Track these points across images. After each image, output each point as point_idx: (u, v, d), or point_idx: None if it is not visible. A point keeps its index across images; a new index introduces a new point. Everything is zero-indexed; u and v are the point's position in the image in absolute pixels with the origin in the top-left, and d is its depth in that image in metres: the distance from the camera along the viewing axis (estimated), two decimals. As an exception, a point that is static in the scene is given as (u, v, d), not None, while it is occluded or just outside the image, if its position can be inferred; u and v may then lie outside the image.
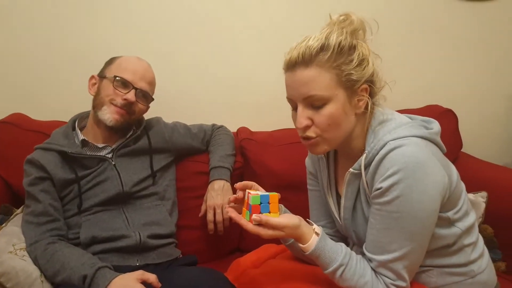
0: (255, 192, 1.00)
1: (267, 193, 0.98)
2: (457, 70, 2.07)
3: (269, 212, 0.96)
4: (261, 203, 0.96)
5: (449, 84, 2.07)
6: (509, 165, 1.99)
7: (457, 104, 1.92)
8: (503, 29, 2.07)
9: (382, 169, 0.95)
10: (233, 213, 0.99)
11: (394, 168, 0.92)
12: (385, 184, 0.93)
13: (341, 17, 1.00)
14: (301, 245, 0.99)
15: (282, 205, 1.13)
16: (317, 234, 1.00)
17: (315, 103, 0.97)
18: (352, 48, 0.98)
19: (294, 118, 1.02)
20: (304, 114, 0.99)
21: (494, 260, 1.32)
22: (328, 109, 0.97)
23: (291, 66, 0.98)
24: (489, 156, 1.94)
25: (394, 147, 0.94)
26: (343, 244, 1.03)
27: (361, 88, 0.99)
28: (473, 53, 2.07)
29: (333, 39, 0.96)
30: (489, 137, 2.15)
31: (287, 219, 0.97)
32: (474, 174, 1.62)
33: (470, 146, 1.95)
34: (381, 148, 0.97)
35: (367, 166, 1.00)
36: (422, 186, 0.93)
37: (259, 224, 0.95)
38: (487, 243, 1.16)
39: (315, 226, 1.02)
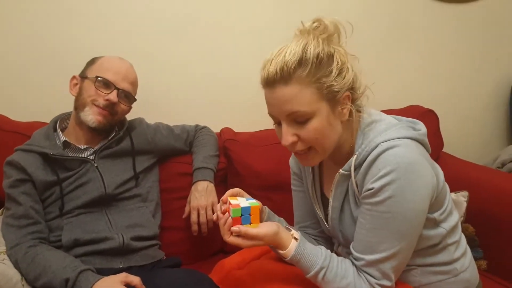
0: (236, 202, 0.99)
1: (248, 205, 0.98)
2: (437, 70, 2.10)
3: (250, 223, 0.98)
4: (242, 215, 0.97)
5: (430, 85, 2.10)
6: (490, 165, 2.02)
7: (438, 105, 1.95)
8: (481, 30, 2.12)
9: (374, 170, 0.95)
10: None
11: (387, 169, 0.93)
12: (377, 185, 0.94)
13: (314, 24, 0.98)
14: (280, 251, 1.00)
15: (266, 206, 1.13)
16: (295, 239, 1.01)
17: (299, 119, 0.96)
18: (330, 57, 0.95)
19: (279, 133, 1.01)
20: (289, 131, 0.97)
21: (475, 259, 1.34)
22: (313, 124, 0.96)
23: (270, 83, 0.95)
24: (470, 156, 1.97)
25: (386, 148, 0.95)
26: (322, 247, 1.04)
27: (343, 97, 0.98)
28: (453, 54, 2.11)
29: (311, 52, 0.93)
30: (469, 137, 2.19)
31: (266, 228, 0.98)
32: (455, 173, 1.64)
33: (451, 146, 1.98)
34: (373, 149, 0.97)
35: (357, 167, 1.01)
36: (414, 187, 0.93)
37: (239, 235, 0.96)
38: (469, 242, 1.18)
39: (293, 231, 1.02)
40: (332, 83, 0.95)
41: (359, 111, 1.03)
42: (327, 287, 0.99)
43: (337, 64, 0.95)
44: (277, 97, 0.95)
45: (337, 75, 0.95)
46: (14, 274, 1.18)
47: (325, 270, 0.99)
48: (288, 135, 0.97)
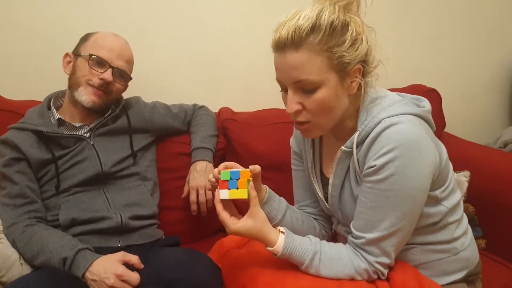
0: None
1: (238, 170, 0.97)
2: (440, 49, 2.08)
3: (237, 188, 0.97)
4: (231, 178, 0.97)
5: (432, 64, 2.07)
6: (491, 145, 2.01)
7: (440, 84, 1.92)
8: (486, 9, 2.08)
9: (377, 147, 0.93)
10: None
11: (390, 146, 0.91)
12: (379, 162, 0.92)
13: None
14: (269, 248, 0.99)
15: (266, 186, 1.12)
16: (282, 232, 1.00)
17: (306, 88, 0.94)
18: (345, 26, 0.92)
19: (285, 99, 0.99)
20: (294, 99, 0.96)
21: (474, 238, 1.34)
22: (320, 94, 0.94)
23: (280, 47, 0.93)
24: (472, 136, 1.96)
25: (389, 125, 0.93)
26: (310, 235, 1.04)
27: (353, 69, 0.95)
28: (456, 32, 2.08)
29: (325, 19, 0.90)
30: (472, 117, 2.17)
31: (249, 224, 0.97)
32: (457, 153, 1.61)
33: (453, 126, 1.96)
34: (376, 125, 0.95)
35: (359, 144, 0.99)
36: (416, 165, 0.92)
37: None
38: (469, 221, 1.17)
39: (279, 227, 1.02)
40: (343, 53, 0.92)
41: (366, 90, 1.00)
42: (326, 273, 0.99)
43: (352, 34, 0.92)
44: (286, 62, 0.93)
45: (350, 46, 0.92)
46: (12, 253, 1.18)
47: (319, 254, 0.98)
48: (292, 103, 0.96)
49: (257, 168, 1.01)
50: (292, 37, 0.90)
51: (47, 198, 1.30)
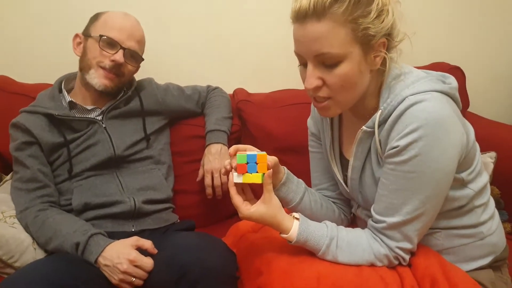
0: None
1: (254, 153, 0.94)
2: (464, 26, 2.00)
3: (257, 172, 0.94)
4: (247, 162, 0.94)
5: (456, 41, 2.00)
6: (517, 125, 1.93)
7: (464, 62, 1.85)
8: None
9: (400, 126, 0.88)
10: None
11: (414, 125, 0.86)
12: (402, 142, 0.87)
13: None
14: (284, 235, 0.97)
15: (285, 167, 1.10)
16: (297, 219, 0.97)
17: (327, 62, 0.89)
18: None
19: (303, 75, 0.94)
20: (314, 73, 0.90)
21: (501, 222, 1.30)
22: (342, 69, 0.88)
23: (301, 17, 0.87)
24: (496, 116, 1.89)
25: (414, 102, 0.87)
26: (326, 221, 1.01)
27: (378, 43, 0.90)
28: (482, 8, 1.99)
29: None
30: (496, 96, 2.09)
31: (262, 210, 0.94)
32: (482, 134, 1.54)
33: (478, 105, 1.90)
34: (399, 103, 0.90)
35: (381, 123, 0.94)
36: (442, 145, 0.87)
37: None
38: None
39: (293, 213, 0.99)
40: (369, 25, 0.86)
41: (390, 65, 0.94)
42: (344, 259, 0.96)
43: (377, 5, 0.87)
44: (307, 34, 0.88)
45: (376, 18, 0.87)
46: (25, 238, 1.18)
47: (335, 240, 0.95)
48: (312, 78, 0.91)
49: (274, 159, 1.00)
50: (314, 6, 0.85)
51: (60, 183, 1.29)
